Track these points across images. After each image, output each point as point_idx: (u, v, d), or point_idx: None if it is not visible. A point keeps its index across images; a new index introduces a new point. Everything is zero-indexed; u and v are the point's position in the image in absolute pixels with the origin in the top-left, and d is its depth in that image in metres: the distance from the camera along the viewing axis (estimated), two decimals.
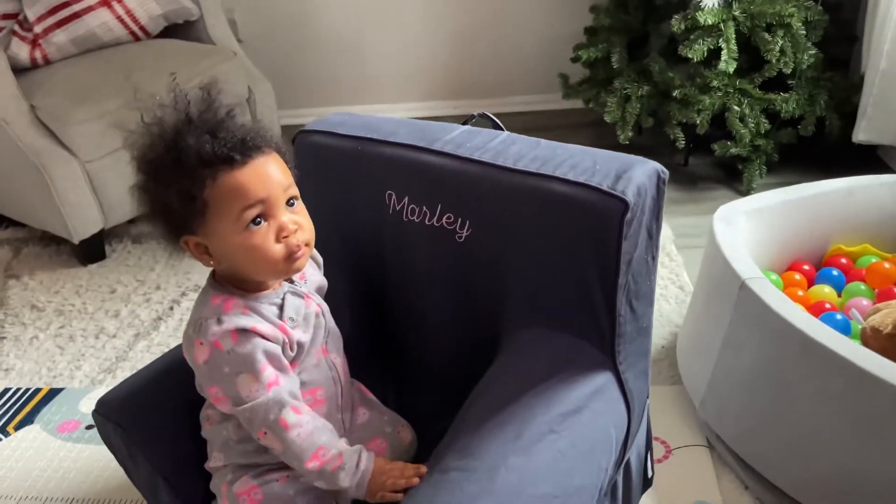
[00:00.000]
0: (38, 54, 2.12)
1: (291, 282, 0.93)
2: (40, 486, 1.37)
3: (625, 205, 0.86)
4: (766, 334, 1.15)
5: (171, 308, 1.87)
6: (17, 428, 1.51)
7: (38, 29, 2.11)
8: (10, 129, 1.93)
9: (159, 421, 0.99)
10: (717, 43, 1.97)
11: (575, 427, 0.86)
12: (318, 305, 0.95)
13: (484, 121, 1.11)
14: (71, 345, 1.76)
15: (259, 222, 0.83)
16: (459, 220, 1.00)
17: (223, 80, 2.16)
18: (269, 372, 0.84)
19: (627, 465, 1.03)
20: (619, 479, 1.02)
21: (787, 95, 2.05)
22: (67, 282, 2.03)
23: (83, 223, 2.02)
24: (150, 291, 1.95)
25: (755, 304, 1.16)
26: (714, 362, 1.27)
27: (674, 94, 2.08)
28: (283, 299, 0.90)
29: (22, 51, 2.10)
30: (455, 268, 1.02)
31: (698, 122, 2.05)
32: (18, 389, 1.62)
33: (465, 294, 1.03)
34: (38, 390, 1.61)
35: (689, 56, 1.98)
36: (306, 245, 0.87)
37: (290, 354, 0.89)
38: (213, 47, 2.34)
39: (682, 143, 2.15)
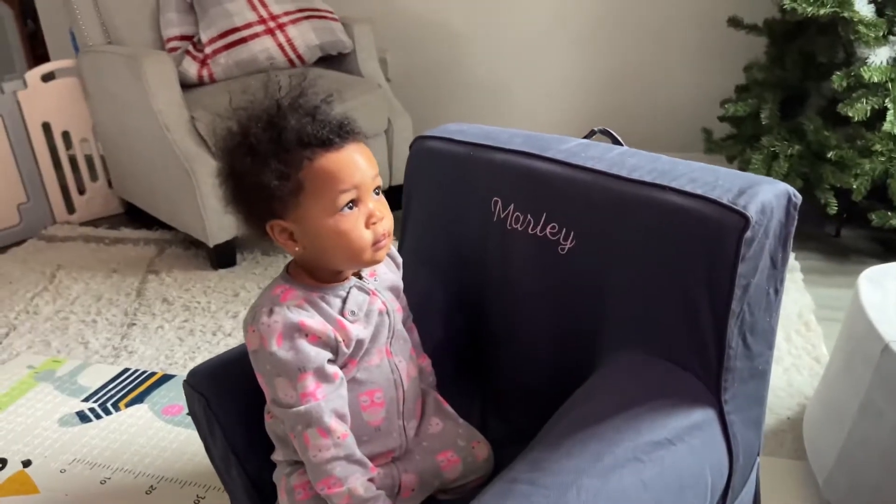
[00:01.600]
0: (205, 72, 2.30)
1: (360, 277, 0.91)
2: (136, 460, 1.41)
3: (745, 220, 0.78)
4: None
5: None
6: (128, 405, 1.58)
7: (208, 50, 2.30)
8: (170, 134, 2.10)
9: (239, 398, 0.99)
10: (883, 103, 1.81)
11: (666, 460, 0.77)
12: (383, 303, 0.91)
13: (605, 137, 1.06)
14: (190, 338, 1.84)
15: (351, 207, 0.82)
16: (564, 230, 0.95)
17: (365, 109, 2.26)
18: (307, 382, 0.81)
19: None
20: None
21: None
22: (198, 282, 2.14)
23: (219, 229, 2.13)
24: None
25: None
26: (847, 433, 1.12)
27: (829, 156, 1.93)
28: (348, 292, 0.88)
29: (192, 68, 2.30)
30: (554, 282, 0.97)
31: (854, 186, 1.89)
32: (136, 371, 1.71)
33: (562, 311, 0.97)
34: (153, 374, 1.69)
35: (850, 115, 1.83)
36: (388, 235, 0.86)
37: (345, 352, 0.85)
38: (360, 79, 2.45)
39: (833, 210, 1.98)
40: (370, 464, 0.86)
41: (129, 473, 1.38)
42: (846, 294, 1.66)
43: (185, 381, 1.03)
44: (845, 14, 1.82)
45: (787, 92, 2.11)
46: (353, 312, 0.87)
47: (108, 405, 1.59)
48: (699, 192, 0.83)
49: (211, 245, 2.16)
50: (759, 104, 2.08)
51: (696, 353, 0.83)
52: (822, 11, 1.85)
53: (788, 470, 1.28)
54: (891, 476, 1.04)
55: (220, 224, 2.13)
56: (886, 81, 1.80)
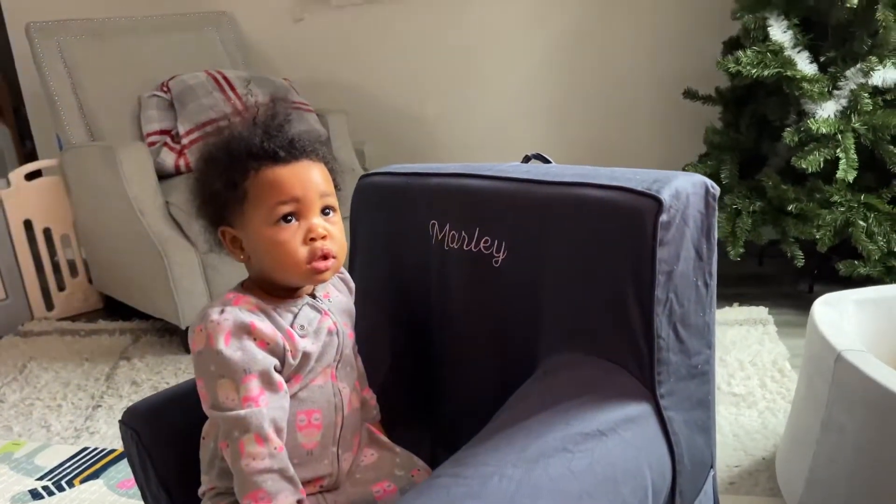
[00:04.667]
0: (181, 162, 2.37)
1: (314, 297, 0.91)
2: None
3: (658, 203, 0.79)
4: (865, 410, 0.96)
5: None
6: (83, 482, 1.53)
7: (185, 141, 2.38)
8: (145, 218, 2.14)
9: (173, 434, 0.95)
10: (835, 153, 1.85)
11: (596, 451, 0.74)
12: (334, 323, 0.90)
13: (539, 161, 1.08)
14: None
15: (290, 220, 0.83)
16: (496, 242, 0.95)
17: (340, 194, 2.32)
18: (251, 385, 0.79)
19: None
20: None
21: None
22: (169, 365, 2.11)
23: (191, 310, 2.13)
24: None
25: (852, 376, 0.99)
26: (812, 456, 1.07)
27: (790, 209, 1.96)
28: (300, 309, 0.87)
29: (169, 158, 2.37)
30: (491, 296, 0.96)
31: (818, 237, 1.90)
32: (95, 449, 1.66)
33: (502, 326, 0.96)
34: (112, 451, 1.64)
35: (804, 167, 1.87)
36: (334, 257, 0.85)
37: (291, 363, 0.84)
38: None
39: (800, 262, 1.98)
40: (300, 486, 0.82)
41: None
42: None
43: (119, 420, 1.00)
44: (788, 73, 1.90)
45: (744, 154, 2.16)
46: (302, 327, 0.86)
47: (63, 482, 1.53)
48: (615, 184, 0.84)
49: (183, 327, 2.15)
50: (718, 166, 2.13)
51: (629, 348, 0.82)
52: (766, 72, 1.93)
53: None
54: (858, 493, 0.99)
55: (191, 306, 2.13)
56: (836, 133, 1.85)
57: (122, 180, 2.14)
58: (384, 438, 0.97)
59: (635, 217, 0.80)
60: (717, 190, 0.85)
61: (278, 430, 0.81)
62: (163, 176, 2.31)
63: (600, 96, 2.76)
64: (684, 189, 0.82)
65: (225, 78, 2.52)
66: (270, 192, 0.83)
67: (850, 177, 1.83)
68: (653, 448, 0.80)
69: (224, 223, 0.87)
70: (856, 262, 1.91)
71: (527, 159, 1.11)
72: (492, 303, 0.96)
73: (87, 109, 2.48)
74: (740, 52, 1.96)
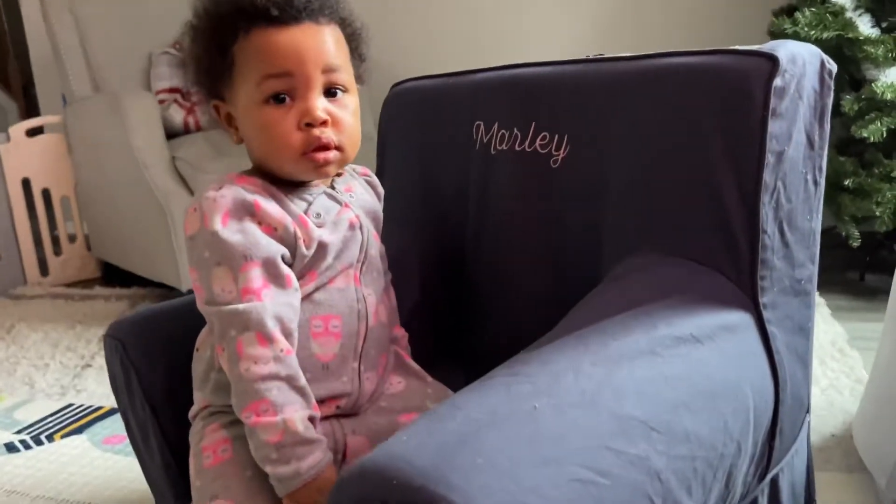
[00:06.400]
0: (191, 120, 2.24)
1: (333, 187, 0.75)
2: (61, 487, 1.19)
3: (773, 62, 0.64)
4: None
5: None
6: (64, 437, 1.37)
7: (194, 98, 2.25)
8: (148, 172, 1.99)
9: (163, 347, 0.81)
10: None
11: (692, 357, 0.58)
12: (356, 216, 0.75)
13: None
14: None
15: (282, 99, 0.67)
16: (556, 138, 0.81)
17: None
18: (252, 275, 0.65)
19: (776, 487, 0.70)
20: (764, 499, 0.69)
21: None
22: None
23: None
24: None
25: None
26: None
27: (846, 184, 1.80)
28: (314, 198, 0.72)
29: (178, 115, 2.24)
30: (548, 203, 0.82)
31: (877, 213, 1.74)
32: (80, 406, 1.50)
33: (560, 236, 0.81)
34: (98, 408, 1.49)
35: (866, 136, 1.72)
36: (338, 148, 0.69)
37: (304, 254, 0.68)
38: None
39: (856, 242, 1.82)
40: (314, 400, 0.66)
41: (51, 501, 1.16)
42: (878, 327, 1.47)
43: (104, 333, 0.85)
44: (850, 35, 1.75)
45: None
46: (318, 215, 0.71)
47: (42, 437, 1.38)
48: (712, 48, 0.69)
49: (184, 291, 2.00)
50: None
51: (724, 245, 0.67)
52: (825, 34, 1.78)
53: (841, 482, 1.06)
54: None
55: None
56: None
57: (127, 130, 2.00)
58: (415, 365, 0.82)
59: (744, 81, 0.65)
60: (833, 67, 0.71)
61: (286, 333, 0.65)
62: (172, 134, 2.18)
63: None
64: (800, 54, 0.67)
65: None
66: (258, 60, 0.67)
67: None
68: (755, 365, 0.64)
69: (215, 96, 0.73)
70: None
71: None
72: (547, 209, 0.82)
73: (94, 65, 2.35)
74: (798, 13, 1.82)
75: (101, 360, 1.77)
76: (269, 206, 0.67)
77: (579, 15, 2.56)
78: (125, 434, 1.19)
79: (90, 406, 1.50)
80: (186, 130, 2.25)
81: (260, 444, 0.62)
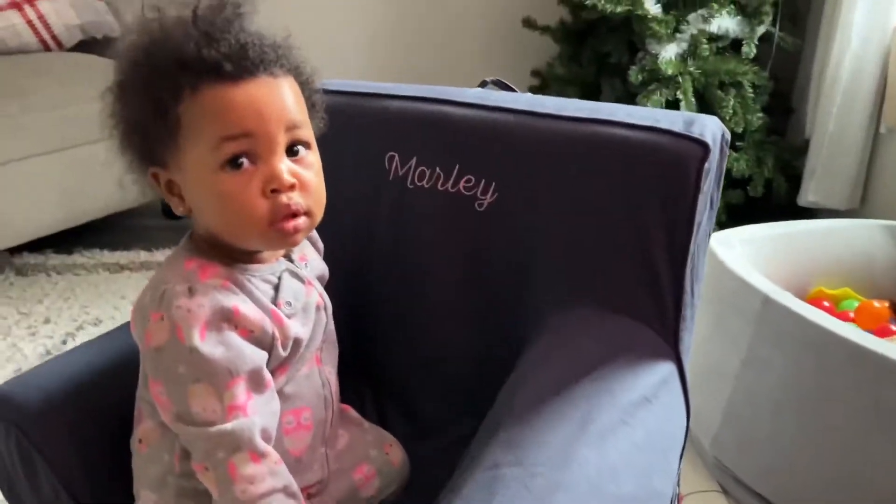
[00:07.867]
0: None
1: (290, 260, 0.71)
2: None
3: (705, 149, 0.72)
4: (797, 349, 1.02)
5: (65, 342, 1.55)
6: None
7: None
8: None
9: (74, 430, 0.71)
10: (675, 94, 1.95)
11: (648, 420, 0.68)
12: (320, 296, 0.72)
13: (497, 88, 0.96)
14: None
15: (240, 164, 0.60)
16: (483, 183, 0.83)
17: None
18: (237, 391, 0.59)
19: None
20: None
21: (737, 155, 2.04)
22: None
23: None
24: (37, 325, 1.62)
25: (784, 318, 1.04)
26: (731, 390, 1.13)
27: None
28: (279, 278, 0.67)
29: None
30: (471, 244, 0.84)
31: None
32: None
33: (482, 279, 0.85)
34: None
35: (649, 107, 1.94)
36: (306, 214, 0.63)
37: (280, 355, 0.65)
38: None
39: None
40: (302, 499, 0.64)
41: None
42: None
43: None
44: (639, 11, 1.94)
45: (584, 89, 2.20)
46: (288, 304, 0.66)
47: None
48: (646, 123, 0.76)
49: None
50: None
51: (652, 303, 0.76)
52: (618, 9, 1.95)
53: None
54: (781, 425, 1.05)
55: None
56: (677, 75, 1.94)
57: None
58: (352, 412, 0.82)
59: (679, 163, 0.72)
60: (728, 136, 0.81)
61: (267, 440, 0.62)
62: None
63: (429, 20, 2.63)
64: (716, 134, 0.76)
65: None
66: (211, 123, 0.59)
67: None
68: (680, 409, 0.76)
69: (154, 163, 0.63)
70: None
71: (483, 84, 0.98)
72: (472, 252, 0.84)
73: None
74: None
75: None
76: (247, 309, 0.62)
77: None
78: None
79: None
80: None
81: None
